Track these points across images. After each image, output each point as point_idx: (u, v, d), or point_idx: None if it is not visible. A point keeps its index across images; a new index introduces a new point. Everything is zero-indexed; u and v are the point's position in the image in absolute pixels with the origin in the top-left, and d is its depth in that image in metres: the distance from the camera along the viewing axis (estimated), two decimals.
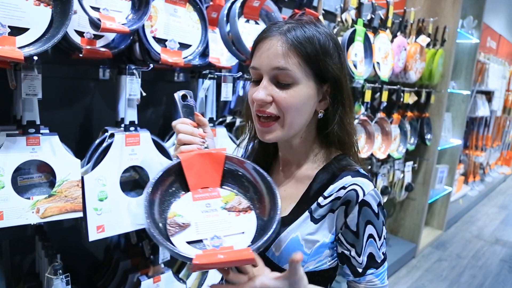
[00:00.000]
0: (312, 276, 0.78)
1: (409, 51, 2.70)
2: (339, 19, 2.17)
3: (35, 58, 1.06)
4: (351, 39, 2.05)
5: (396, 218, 3.62)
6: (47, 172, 1.22)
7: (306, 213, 0.80)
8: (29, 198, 1.16)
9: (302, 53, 0.73)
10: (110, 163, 1.30)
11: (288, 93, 0.74)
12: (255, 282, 0.67)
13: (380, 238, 0.80)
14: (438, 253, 3.69)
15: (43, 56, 1.13)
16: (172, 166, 0.73)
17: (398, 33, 2.63)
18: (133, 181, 1.45)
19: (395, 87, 2.70)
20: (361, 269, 0.79)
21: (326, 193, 0.80)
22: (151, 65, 1.36)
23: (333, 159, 0.84)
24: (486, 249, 3.86)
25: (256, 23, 1.63)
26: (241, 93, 1.93)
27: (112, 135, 1.34)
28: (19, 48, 1.02)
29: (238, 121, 1.91)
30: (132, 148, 1.35)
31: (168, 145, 1.56)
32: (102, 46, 1.28)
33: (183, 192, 0.72)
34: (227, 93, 1.65)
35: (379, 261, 0.80)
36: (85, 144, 1.45)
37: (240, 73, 1.71)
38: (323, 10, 2.05)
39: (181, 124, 0.78)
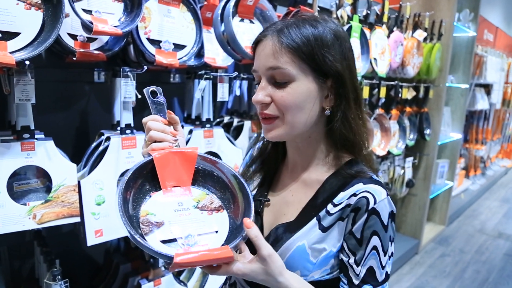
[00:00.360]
0: (317, 286, 0.75)
1: (406, 46, 2.69)
2: (334, 16, 2.16)
3: (27, 62, 1.05)
4: None
5: (398, 215, 3.61)
6: (43, 177, 1.21)
7: (314, 221, 0.77)
8: (25, 204, 1.15)
9: (294, 49, 0.71)
10: (106, 166, 1.30)
11: (285, 91, 0.73)
12: (232, 268, 0.65)
13: (385, 254, 0.74)
14: (441, 248, 3.67)
15: (37, 60, 1.12)
16: (143, 164, 0.71)
17: (395, 28, 2.62)
18: None
19: (393, 82, 2.69)
20: (357, 281, 0.73)
21: (336, 201, 0.76)
22: (145, 67, 1.35)
23: (344, 164, 0.80)
24: (489, 243, 3.85)
25: (251, 22, 1.62)
26: (237, 92, 1.92)
27: (108, 139, 1.33)
28: (11, 53, 1.01)
29: (235, 121, 1.90)
30: (128, 151, 1.34)
31: None
32: (96, 49, 1.27)
33: (154, 190, 0.71)
34: (223, 93, 1.64)
35: (379, 280, 0.74)
36: (81, 148, 1.44)
37: (236, 73, 1.70)
38: (318, 7, 2.04)
39: (152, 121, 0.76)
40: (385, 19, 2.48)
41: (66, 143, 1.43)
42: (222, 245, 0.66)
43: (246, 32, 1.57)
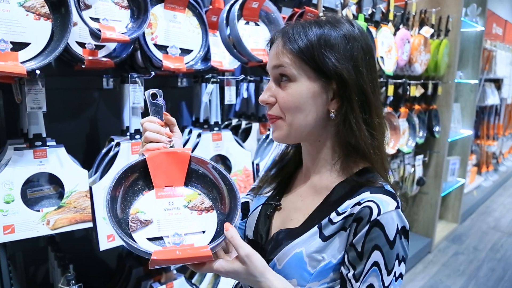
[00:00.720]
0: None
1: (413, 43, 2.67)
2: (340, 16, 2.16)
3: (38, 72, 1.07)
4: None
5: (409, 213, 3.57)
6: (56, 183, 1.23)
7: (315, 228, 0.73)
8: (39, 211, 1.17)
9: (294, 49, 0.71)
10: None
11: (286, 92, 0.73)
12: (214, 265, 0.67)
13: (389, 273, 0.67)
14: (455, 247, 3.63)
15: (47, 69, 1.14)
16: (137, 163, 0.73)
17: (401, 26, 2.60)
18: None
19: (400, 80, 2.67)
20: None
21: (340, 209, 0.72)
22: (153, 73, 1.36)
23: (357, 171, 0.76)
24: (504, 240, 3.79)
25: (256, 24, 1.62)
26: (245, 95, 1.93)
27: (118, 144, 1.35)
28: (22, 63, 1.03)
29: (243, 124, 1.90)
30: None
31: None
32: (104, 56, 1.29)
33: (147, 189, 0.73)
34: (230, 96, 1.65)
35: None
36: (92, 154, 1.46)
37: (242, 76, 1.70)
38: (323, 7, 2.04)
39: (149, 122, 0.77)
40: (390, 17, 2.47)
41: (77, 150, 1.46)
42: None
43: (251, 34, 1.58)
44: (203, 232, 0.70)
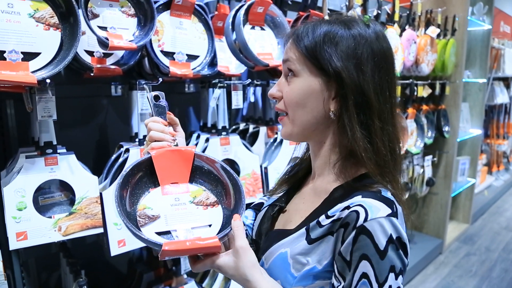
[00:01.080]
0: None
1: (419, 44, 2.66)
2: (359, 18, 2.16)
3: (48, 81, 1.09)
4: None
5: (420, 214, 3.55)
6: (67, 190, 1.25)
7: (303, 230, 0.71)
8: (50, 217, 1.19)
9: (300, 44, 0.72)
10: None
11: (289, 87, 0.74)
12: (209, 260, 0.67)
13: (380, 286, 0.61)
14: (466, 247, 3.59)
15: (56, 78, 1.16)
16: (142, 161, 0.75)
17: (407, 27, 2.60)
18: None
19: (407, 81, 2.66)
20: None
21: (330, 212, 0.69)
22: (160, 79, 1.38)
23: (356, 176, 0.72)
24: None
25: (262, 29, 1.63)
26: (252, 99, 1.94)
27: (127, 150, 1.36)
28: (32, 72, 1.05)
29: (251, 128, 1.91)
30: None
31: None
32: (112, 64, 1.31)
33: (153, 187, 0.75)
34: (237, 100, 1.66)
35: None
36: (102, 160, 1.48)
37: (249, 80, 1.71)
38: (328, 10, 2.04)
39: (153, 122, 0.79)
40: (396, 18, 2.47)
41: (87, 156, 1.48)
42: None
43: (257, 39, 1.59)
44: (209, 225, 0.72)
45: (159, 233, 0.68)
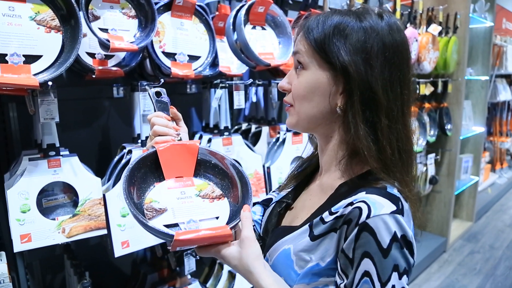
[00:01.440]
0: None
1: (421, 42, 2.65)
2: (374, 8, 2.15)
3: (50, 83, 1.09)
4: None
5: (423, 212, 3.53)
6: (70, 192, 1.25)
7: (306, 226, 0.70)
8: (54, 219, 1.19)
9: (309, 37, 0.70)
10: None
11: (298, 79, 0.72)
12: (215, 248, 0.67)
13: (383, 286, 0.59)
14: (470, 245, 3.58)
15: (58, 80, 1.16)
16: (147, 155, 0.75)
17: (408, 25, 2.59)
18: None
19: None
20: None
21: (333, 208, 0.67)
22: (162, 80, 1.38)
23: (362, 173, 0.71)
24: None
25: (263, 28, 1.63)
26: (254, 99, 1.94)
27: (130, 152, 1.36)
28: (34, 75, 1.06)
29: (253, 128, 1.91)
30: None
31: None
32: (113, 66, 1.31)
33: (158, 181, 0.75)
34: (239, 100, 1.66)
35: None
36: (104, 162, 1.48)
37: (251, 80, 1.71)
38: (329, 9, 2.04)
39: (156, 117, 0.79)
40: (397, 16, 2.46)
41: (90, 158, 1.48)
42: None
43: (258, 39, 1.59)
44: (217, 218, 0.72)
45: (167, 226, 0.68)
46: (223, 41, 1.66)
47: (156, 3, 1.33)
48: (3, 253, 1.16)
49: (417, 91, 2.71)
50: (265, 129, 1.85)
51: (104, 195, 1.27)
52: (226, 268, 1.75)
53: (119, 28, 1.26)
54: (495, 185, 4.86)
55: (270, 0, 1.57)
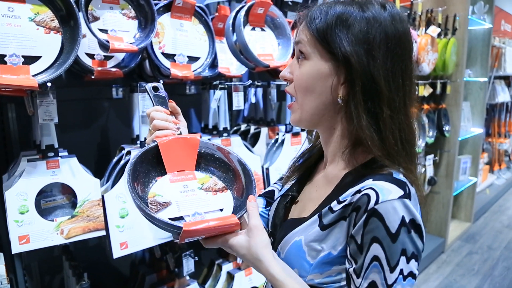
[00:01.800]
0: None
1: (420, 43, 2.66)
2: None
3: (49, 84, 1.09)
4: None
5: (422, 213, 3.53)
6: (69, 193, 1.25)
7: (316, 217, 0.70)
8: (52, 220, 1.19)
9: (312, 27, 0.69)
10: None
11: (299, 70, 0.72)
12: (222, 238, 0.67)
13: (392, 270, 0.61)
14: (468, 246, 3.59)
15: (57, 81, 1.16)
16: (149, 149, 0.75)
17: None
18: None
19: None
20: None
21: (341, 197, 0.68)
22: (161, 81, 1.37)
23: (366, 161, 0.71)
24: None
25: (262, 30, 1.63)
26: (253, 100, 1.94)
27: (128, 153, 1.36)
28: (33, 76, 1.05)
29: (252, 129, 1.91)
30: None
31: None
32: (113, 66, 1.31)
33: (160, 175, 0.75)
34: (239, 101, 1.66)
35: None
36: (103, 163, 1.48)
37: (250, 81, 1.71)
38: None
39: (155, 111, 0.79)
40: None
41: (89, 159, 1.48)
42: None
43: (258, 40, 1.59)
44: (221, 210, 0.72)
45: (172, 219, 0.67)
46: (222, 42, 1.66)
47: (155, 4, 1.33)
48: (1, 254, 1.16)
49: (416, 92, 2.71)
50: (264, 130, 1.85)
51: (102, 196, 1.27)
52: (225, 269, 1.75)
53: (119, 29, 1.26)
54: (493, 186, 4.87)
55: (269, 2, 1.57)
